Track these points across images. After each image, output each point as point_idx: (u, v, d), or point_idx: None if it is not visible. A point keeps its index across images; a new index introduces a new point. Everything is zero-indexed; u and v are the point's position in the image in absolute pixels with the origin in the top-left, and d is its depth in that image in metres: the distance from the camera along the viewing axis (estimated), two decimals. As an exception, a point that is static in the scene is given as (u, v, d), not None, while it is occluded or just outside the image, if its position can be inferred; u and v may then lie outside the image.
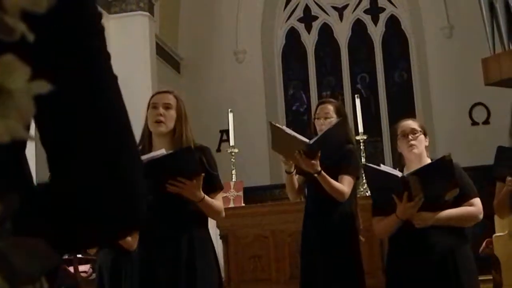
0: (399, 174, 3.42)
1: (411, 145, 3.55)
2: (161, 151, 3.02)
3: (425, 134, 3.64)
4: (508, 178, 3.59)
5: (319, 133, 3.94)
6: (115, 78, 0.81)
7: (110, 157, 0.76)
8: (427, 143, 3.64)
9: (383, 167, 3.59)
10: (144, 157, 3.02)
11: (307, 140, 3.74)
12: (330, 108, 4.06)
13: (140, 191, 0.79)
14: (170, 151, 3.04)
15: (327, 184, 3.79)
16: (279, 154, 4.00)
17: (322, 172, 3.76)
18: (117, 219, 0.77)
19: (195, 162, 3.03)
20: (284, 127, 3.85)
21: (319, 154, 3.72)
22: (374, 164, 3.75)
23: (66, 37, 0.74)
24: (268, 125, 10.25)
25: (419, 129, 3.61)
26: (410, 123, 3.65)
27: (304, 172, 3.96)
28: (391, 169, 3.58)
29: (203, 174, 3.05)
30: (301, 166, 3.77)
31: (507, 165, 3.65)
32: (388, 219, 3.48)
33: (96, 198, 0.75)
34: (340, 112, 4.09)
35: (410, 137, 3.56)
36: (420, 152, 3.55)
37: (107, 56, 0.81)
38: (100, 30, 0.80)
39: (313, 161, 3.71)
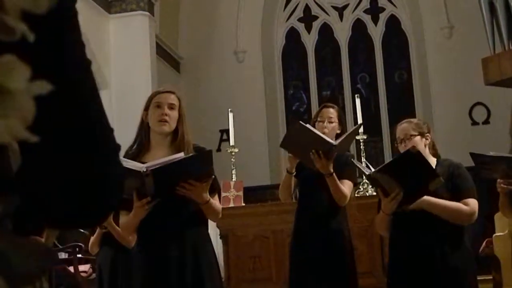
0: (367, 172, 3.44)
1: None
2: (180, 154, 3.02)
3: (421, 134, 3.62)
4: (498, 181, 3.62)
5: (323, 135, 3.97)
6: (89, 63, 0.80)
7: (81, 148, 0.77)
8: (427, 141, 3.61)
9: (359, 165, 3.66)
10: (163, 159, 3.01)
11: (332, 141, 3.78)
12: (334, 112, 4.12)
13: (110, 182, 0.81)
14: (191, 154, 3.05)
15: (335, 187, 3.83)
16: (287, 153, 4.02)
17: (334, 174, 3.80)
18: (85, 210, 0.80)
19: (211, 165, 3.04)
20: (309, 126, 3.87)
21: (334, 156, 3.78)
22: (373, 165, 3.78)
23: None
24: (268, 125, 10.31)
25: (411, 132, 3.59)
26: (403, 128, 3.64)
27: (298, 175, 4.00)
28: (364, 166, 3.61)
29: (212, 177, 3.05)
30: (313, 165, 3.78)
31: (489, 169, 3.68)
32: (378, 215, 3.53)
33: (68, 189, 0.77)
34: (341, 118, 4.15)
35: (403, 144, 3.58)
36: None
37: (80, 41, 0.80)
38: (73, 15, 0.79)
39: (329, 162, 3.76)
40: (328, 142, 3.77)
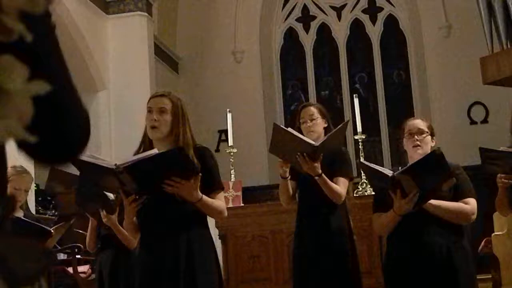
0: (389, 173, 3.42)
1: (416, 145, 3.55)
2: (154, 151, 3.01)
3: (432, 135, 3.63)
4: (499, 175, 3.61)
5: (304, 135, 3.96)
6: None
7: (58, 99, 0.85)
8: (433, 144, 3.63)
9: (375, 166, 3.61)
10: (136, 157, 3.02)
11: (313, 143, 3.76)
12: (314, 110, 4.10)
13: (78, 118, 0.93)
14: (161, 151, 3.03)
15: (326, 187, 3.80)
16: (277, 157, 4.00)
17: (323, 174, 3.77)
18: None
19: (190, 162, 3.02)
20: (290, 129, 3.85)
21: (321, 157, 3.75)
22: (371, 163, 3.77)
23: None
24: (266, 125, 10.30)
25: (426, 130, 3.60)
26: (418, 123, 3.64)
27: (296, 177, 3.98)
28: (382, 168, 3.58)
29: (200, 174, 3.03)
30: (302, 168, 3.77)
31: (495, 164, 3.67)
32: (386, 215, 3.50)
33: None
34: (323, 113, 4.13)
35: (415, 137, 3.57)
36: (424, 153, 3.53)
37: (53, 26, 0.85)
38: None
39: (315, 164, 3.73)
40: (309, 143, 3.74)
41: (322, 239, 3.89)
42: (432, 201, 3.39)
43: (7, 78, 0.58)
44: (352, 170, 4.13)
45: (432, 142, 3.63)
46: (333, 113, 9.15)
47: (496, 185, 3.74)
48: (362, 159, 6.20)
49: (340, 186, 3.87)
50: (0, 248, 0.61)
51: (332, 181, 3.85)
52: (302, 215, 4.03)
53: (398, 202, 3.38)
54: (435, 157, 3.34)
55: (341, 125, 3.94)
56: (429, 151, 3.57)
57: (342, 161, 3.97)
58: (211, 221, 3.38)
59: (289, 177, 3.97)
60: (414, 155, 3.55)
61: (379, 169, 3.52)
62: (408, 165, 3.44)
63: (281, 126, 3.91)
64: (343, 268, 3.89)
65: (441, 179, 3.35)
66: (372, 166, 3.61)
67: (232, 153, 6.57)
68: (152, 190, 3.05)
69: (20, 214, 4.57)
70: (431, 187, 3.36)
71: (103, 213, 4.09)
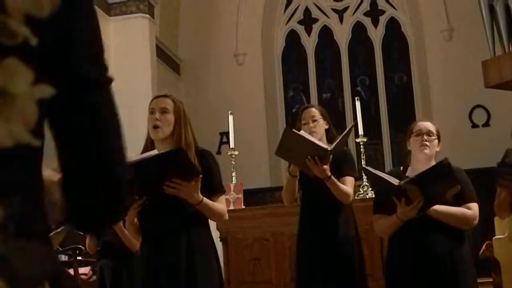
0: (395, 182, 3.42)
1: (424, 145, 3.57)
2: (153, 152, 3.02)
3: (439, 140, 3.65)
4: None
5: (310, 136, 3.97)
6: (102, 63, 0.86)
7: (105, 161, 0.85)
8: (438, 149, 3.66)
9: (381, 173, 3.61)
10: (136, 157, 3.02)
11: (326, 147, 3.78)
12: (315, 111, 4.12)
13: (124, 186, 0.90)
14: (161, 152, 3.03)
15: (336, 188, 3.82)
16: (280, 159, 4.03)
17: (332, 176, 3.79)
18: (108, 205, 0.88)
19: (190, 163, 3.02)
20: (302, 132, 3.87)
21: (331, 159, 3.78)
22: (373, 167, 3.77)
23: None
24: (268, 127, 10.30)
25: (435, 132, 3.63)
26: (428, 125, 3.68)
27: (300, 177, 3.99)
28: (388, 176, 3.57)
29: (200, 176, 3.03)
30: (311, 171, 3.78)
31: (509, 180, 3.68)
32: (389, 219, 3.50)
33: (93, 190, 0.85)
34: (324, 115, 4.14)
35: (425, 137, 3.58)
36: (431, 154, 3.57)
37: (89, 40, 0.84)
38: (82, 15, 0.81)
39: (325, 167, 3.75)
40: (322, 147, 3.77)
41: (328, 241, 3.89)
42: (435, 207, 3.40)
43: (11, 81, 0.58)
44: (356, 169, 4.16)
45: (438, 147, 3.66)
46: (335, 116, 9.15)
47: (496, 188, 3.74)
48: (363, 163, 6.20)
49: (348, 185, 3.91)
50: (4, 251, 0.61)
51: (338, 181, 3.87)
52: (306, 217, 4.03)
53: (403, 209, 3.38)
54: (443, 167, 3.37)
55: (348, 128, 4.03)
56: (434, 154, 3.60)
57: (346, 161, 4.00)
58: (212, 224, 3.39)
59: (298, 177, 3.99)
60: (420, 154, 3.57)
61: (385, 177, 3.51)
62: (415, 174, 3.44)
63: (294, 130, 3.92)
64: (349, 270, 3.89)
65: (446, 187, 3.37)
66: (377, 174, 3.61)
67: (233, 156, 6.57)
68: (152, 191, 3.06)
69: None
70: (436, 195, 3.38)
71: None
